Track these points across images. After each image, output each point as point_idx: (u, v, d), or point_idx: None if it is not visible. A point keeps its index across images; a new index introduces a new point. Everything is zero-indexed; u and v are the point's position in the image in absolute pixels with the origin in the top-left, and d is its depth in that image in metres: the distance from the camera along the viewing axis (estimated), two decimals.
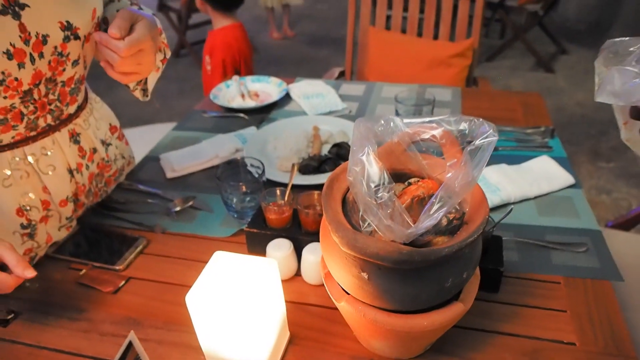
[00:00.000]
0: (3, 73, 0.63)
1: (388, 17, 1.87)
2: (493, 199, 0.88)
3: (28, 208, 0.77)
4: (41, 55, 0.67)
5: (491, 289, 0.71)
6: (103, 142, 0.89)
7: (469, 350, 0.64)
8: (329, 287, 0.60)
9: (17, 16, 0.63)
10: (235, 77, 1.41)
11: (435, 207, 0.49)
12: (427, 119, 0.57)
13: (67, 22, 0.69)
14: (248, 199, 0.87)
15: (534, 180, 0.93)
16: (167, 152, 1.09)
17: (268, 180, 0.93)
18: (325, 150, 1.07)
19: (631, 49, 0.57)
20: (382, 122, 0.56)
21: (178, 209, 0.92)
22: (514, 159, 1.01)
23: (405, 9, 1.83)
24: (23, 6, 0.63)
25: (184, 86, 3.61)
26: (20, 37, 0.63)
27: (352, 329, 0.65)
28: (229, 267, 0.59)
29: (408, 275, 0.51)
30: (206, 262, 0.59)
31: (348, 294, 0.57)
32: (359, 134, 0.53)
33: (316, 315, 0.70)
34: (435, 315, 0.54)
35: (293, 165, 0.87)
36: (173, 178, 1.03)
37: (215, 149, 1.08)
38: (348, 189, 0.58)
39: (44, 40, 0.66)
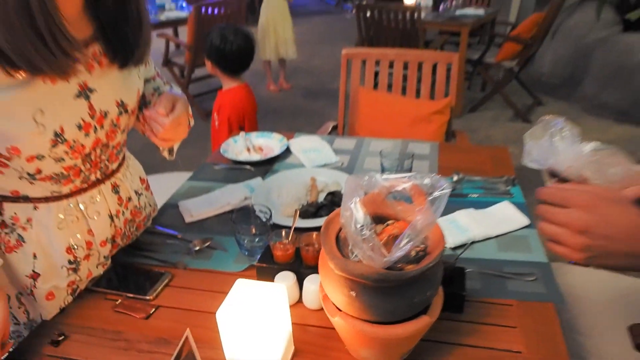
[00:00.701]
0: (74, 141, 0.82)
1: (376, 75, 2.10)
2: (461, 238, 1.06)
3: (75, 247, 0.94)
4: (102, 127, 0.86)
5: (456, 310, 0.88)
6: (136, 192, 1.07)
7: (429, 355, 0.80)
8: (325, 306, 0.76)
9: (87, 98, 0.82)
10: (242, 134, 1.61)
11: (404, 242, 0.66)
12: (401, 175, 0.75)
13: (121, 100, 0.88)
14: (257, 239, 1.04)
15: (495, 222, 1.11)
16: (185, 200, 1.27)
17: (274, 223, 1.10)
18: (321, 197, 1.25)
19: (551, 130, 0.77)
20: (367, 177, 0.74)
21: (197, 248, 1.08)
22: (481, 205, 1.20)
23: (391, 73, 2.06)
24: (92, 90, 0.83)
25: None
26: (88, 113, 0.83)
27: (344, 343, 0.81)
28: (249, 291, 0.76)
29: (386, 293, 0.68)
30: (223, 292, 0.76)
31: (341, 310, 0.74)
32: (349, 187, 0.71)
33: (315, 334, 0.86)
34: (408, 325, 0.70)
35: (295, 210, 1.05)
36: (191, 222, 1.20)
37: (227, 198, 1.26)
38: (340, 229, 0.76)
39: (105, 115, 0.86)
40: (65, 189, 0.90)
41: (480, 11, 4.15)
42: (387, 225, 0.75)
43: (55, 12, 0.71)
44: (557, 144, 0.77)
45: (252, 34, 2.19)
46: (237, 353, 0.74)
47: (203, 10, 3.80)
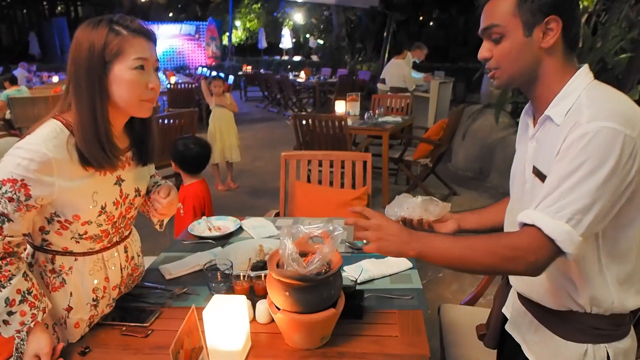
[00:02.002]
0: (110, 212, 1.28)
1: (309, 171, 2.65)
2: (364, 275, 1.54)
3: (97, 289, 1.34)
4: (124, 204, 1.33)
5: (358, 317, 1.33)
6: (137, 254, 1.50)
7: (344, 344, 1.24)
8: (271, 309, 1.20)
9: (120, 185, 1.31)
10: (204, 217, 2.07)
11: (316, 260, 1.14)
12: (315, 225, 1.24)
13: (138, 187, 1.37)
14: (222, 284, 1.47)
15: (388, 266, 1.61)
16: (163, 265, 1.69)
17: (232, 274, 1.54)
18: (266, 257, 1.70)
19: (400, 204, 1.32)
20: (295, 228, 1.22)
21: (178, 293, 1.50)
22: (381, 256, 1.69)
23: (320, 170, 2.62)
24: (123, 180, 1.32)
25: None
26: (119, 195, 1.30)
27: (283, 335, 1.24)
28: (222, 301, 1.19)
29: (306, 290, 1.13)
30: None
31: (280, 309, 1.18)
32: (283, 233, 1.19)
33: (264, 337, 1.28)
34: (322, 314, 1.15)
35: (249, 259, 1.51)
36: (170, 279, 1.62)
37: (196, 261, 1.69)
38: (278, 260, 1.22)
39: (127, 196, 1.33)
40: (97, 246, 1.33)
41: (398, 118, 4.95)
42: (307, 255, 1.22)
43: (111, 132, 1.22)
44: (402, 203, 1.32)
45: (209, 143, 2.74)
46: (214, 341, 1.16)
47: (160, 121, 4.36)
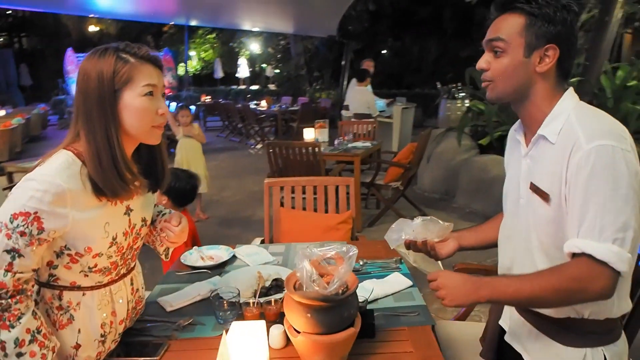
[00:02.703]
0: (119, 243, 1.26)
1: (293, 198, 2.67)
2: (367, 295, 1.57)
3: (105, 323, 1.31)
4: (133, 234, 1.31)
5: (370, 335, 1.36)
6: (141, 286, 1.47)
7: None
8: (290, 333, 1.21)
9: (129, 215, 1.29)
10: (195, 247, 2.05)
11: (335, 281, 1.17)
12: (328, 247, 1.27)
13: (144, 217, 1.35)
14: (228, 312, 1.47)
15: (390, 285, 1.64)
16: (162, 297, 1.66)
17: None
18: (267, 283, 1.71)
19: (401, 229, 1.37)
20: (309, 250, 1.25)
21: (184, 325, 1.48)
22: (380, 276, 1.73)
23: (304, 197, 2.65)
24: (132, 210, 1.31)
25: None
26: (128, 225, 1.28)
27: (301, 357, 1.24)
28: (242, 327, 1.19)
29: (328, 311, 1.16)
30: (209, 349, 1.21)
31: (299, 333, 1.19)
32: (299, 256, 1.21)
33: (279, 359, 1.29)
34: (343, 333, 1.17)
35: (258, 284, 1.51)
36: (171, 310, 1.59)
37: (196, 291, 1.67)
38: (295, 282, 1.24)
39: (135, 226, 1.31)
40: (106, 279, 1.30)
41: (368, 143, 5.07)
42: (323, 276, 1.24)
43: (127, 159, 1.22)
44: (402, 227, 1.37)
45: (198, 176, 2.76)
46: None
47: None
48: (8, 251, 1.12)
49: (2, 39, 22.71)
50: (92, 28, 20.76)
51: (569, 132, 1.10)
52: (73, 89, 13.00)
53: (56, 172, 1.15)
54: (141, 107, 1.22)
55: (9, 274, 1.12)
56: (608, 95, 4.87)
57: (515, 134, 1.31)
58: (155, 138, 1.29)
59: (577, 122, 1.10)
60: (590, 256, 1.03)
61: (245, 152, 10.13)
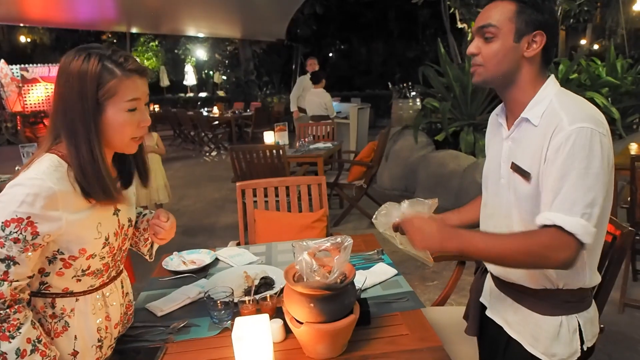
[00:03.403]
0: (111, 243, 1.26)
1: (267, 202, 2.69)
2: (359, 285, 1.61)
3: (101, 328, 1.30)
4: (122, 235, 1.31)
5: (366, 323, 1.40)
6: (130, 290, 1.46)
7: (363, 348, 1.31)
8: (293, 324, 1.24)
9: (117, 215, 1.30)
10: (175, 253, 2.04)
11: (335, 270, 1.21)
12: (323, 239, 1.31)
13: (130, 218, 1.36)
14: (223, 311, 1.48)
15: (376, 275, 1.70)
16: (151, 302, 1.65)
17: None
18: (256, 282, 1.73)
19: (389, 213, 1.41)
20: (305, 243, 1.28)
21: (179, 327, 1.48)
22: (365, 267, 1.78)
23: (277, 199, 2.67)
24: (119, 210, 1.31)
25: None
26: (117, 225, 1.29)
27: (303, 347, 1.27)
28: (246, 322, 1.21)
29: (330, 300, 1.19)
30: (210, 347, 1.24)
31: (302, 323, 1.22)
32: (297, 249, 1.25)
33: (280, 353, 1.31)
34: (345, 320, 1.22)
35: (252, 282, 1.53)
36: (162, 315, 1.58)
37: (185, 294, 1.67)
38: (294, 274, 1.27)
39: (123, 227, 1.32)
40: (98, 282, 1.29)
41: (329, 144, 5.13)
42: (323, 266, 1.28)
43: (109, 169, 1.21)
44: (390, 211, 1.42)
45: None
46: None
47: None
48: (2, 260, 1.10)
49: None
50: (24, 39, 19.91)
51: (552, 115, 1.18)
52: (8, 103, 12.22)
53: (45, 174, 1.13)
54: (123, 122, 1.20)
55: (5, 283, 1.10)
56: None
57: (497, 118, 1.40)
58: (133, 148, 1.29)
59: (560, 106, 1.19)
60: (560, 227, 1.12)
61: (200, 159, 9.99)
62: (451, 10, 6.69)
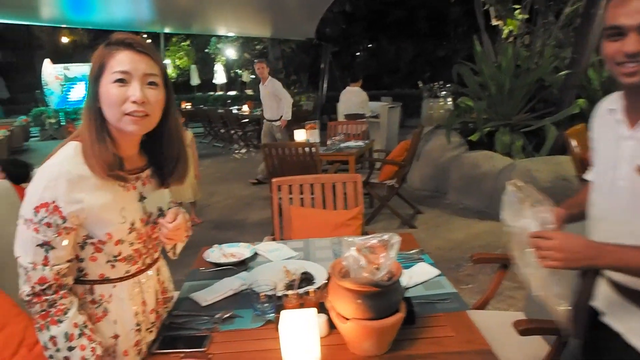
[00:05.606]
0: (139, 230, 1.29)
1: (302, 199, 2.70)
2: (403, 283, 1.60)
3: (138, 313, 1.33)
4: (150, 223, 1.35)
5: (411, 322, 1.39)
6: (168, 279, 1.51)
7: (408, 347, 1.30)
8: (339, 320, 1.24)
9: (142, 201, 1.33)
10: (216, 246, 2.06)
11: (384, 267, 1.20)
12: (369, 237, 1.30)
13: (160, 207, 1.39)
14: (265, 304, 1.49)
15: (418, 274, 1.69)
16: (194, 293, 1.67)
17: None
18: (294, 277, 1.73)
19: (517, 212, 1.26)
20: (351, 239, 1.28)
21: (224, 317, 1.50)
22: (406, 267, 1.77)
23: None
24: (145, 197, 1.34)
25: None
26: (144, 212, 1.33)
27: (348, 344, 1.27)
28: (295, 316, 1.21)
29: (378, 296, 1.19)
30: (253, 339, 1.28)
31: (348, 319, 1.22)
32: (344, 245, 1.25)
33: (325, 348, 1.30)
34: (392, 318, 1.21)
35: (297, 277, 1.55)
36: (205, 305, 1.60)
37: (227, 286, 1.69)
38: (340, 270, 1.27)
39: (151, 215, 1.35)
40: (133, 269, 1.33)
41: (360, 142, 5.12)
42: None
43: (107, 144, 1.22)
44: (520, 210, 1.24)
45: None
46: (292, 357, 1.18)
47: None
48: (40, 245, 1.16)
49: None
50: (65, 39, 20.48)
51: None
52: (52, 100, 12.81)
53: (65, 159, 1.19)
54: (109, 94, 1.20)
55: (47, 267, 1.16)
56: (596, 88, 5.01)
57: (611, 113, 1.27)
58: (128, 126, 1.23)
59: None
60: None
61: (230, 157, 10.09)
62: (485, 7, 6.57)
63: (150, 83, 1.23)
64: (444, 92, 7.69)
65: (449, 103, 7.47)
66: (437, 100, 7.69)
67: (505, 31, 6.30)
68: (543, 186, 4.50)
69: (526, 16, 6.09)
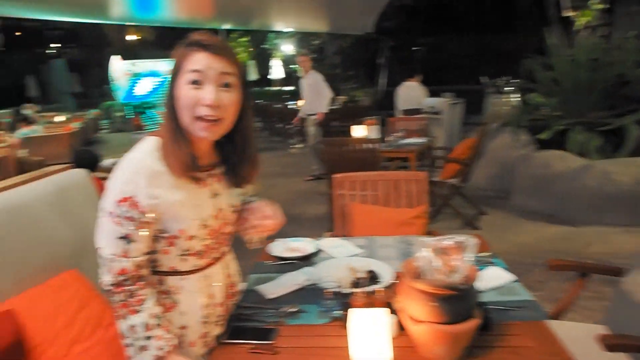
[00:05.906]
0: (210, 225, 1.29)
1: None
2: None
3: (206, 305, 1.34)
4: (221, 219, 1.35)
5: (486, 329, 1.31)
6: (236, 272, 1.52)
7: (483, 355, 1.23)
8: (409, 322, 1.19)
9: (215, 199, 1.32)
10: (281, 239, 2.06)
11: (459, 271, 1.14)
12: (441, 237, 1.24)
13: (232, 203, 1.39)
14: (332, 301, 1.46)
15: (491, 279, 1.61)
16: (261, 285, 1.67)
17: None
18: (360, 274, 1.69)
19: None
20: (423, 240, 1.22)
21: (291, 311, 1.49)
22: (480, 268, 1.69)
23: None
24: (217, 194, 1.34)
25: None
26: (216, 209, 1.32)
27: (419, 346, 1.22)
28: (365, 315, 1.18)
29: (454, 300, 1.13)
30: (319, 335, 1.26)
31: (421, 322, 1.16)
32: (418, 244, 1.19)
33: (394, 348, 1.25)
34: (468, 323, 1.15)
35: (367, 275, 1.54)
36: (272, 298, 1.59)
37: (293, 280, 1.68)
38: (413, 271, 1.22)
39: (221, 210, 1.35)
40: (202, 263, 1.34)
41: (421, 139, 5.00)
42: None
43: (184, 145, 1.22)
44: None
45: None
46: (360, 351, 1.14)
47: None
48: (122, 238, 1.18)
49: (54, 50, 23.84)
50: (130, 37, 21.41)
51: None
52: (119, 94, 13.59)
53: (144, 154, 1.21)
54: (181, 96, 1.19)
55: (127, 259, 1.19)
56: None
57: None
58: (198, 131, 1.21)
59: None
60: None
61: (286, 151, 10.17)
62: None
63: (226, 85, 1.21)
64: (509, 88, 7.40)
65: (514, 99, 7.17)
66: (501, 96, 7.41)
67: (581, 22, 5.96)
68: (622, 189, 4.22)
69: (607, 6, 5.73)
